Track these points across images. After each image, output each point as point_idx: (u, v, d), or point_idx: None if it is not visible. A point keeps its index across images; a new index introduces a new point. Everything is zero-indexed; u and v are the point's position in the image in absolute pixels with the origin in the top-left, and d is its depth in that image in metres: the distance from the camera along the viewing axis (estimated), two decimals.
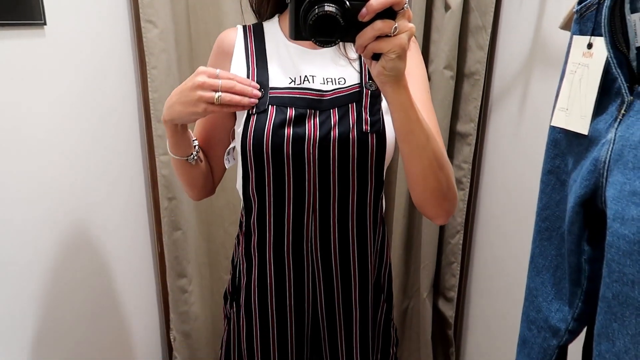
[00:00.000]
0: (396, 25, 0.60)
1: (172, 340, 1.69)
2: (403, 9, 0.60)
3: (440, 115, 1.42)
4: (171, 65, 1.48)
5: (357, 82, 0.85)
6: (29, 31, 0.99)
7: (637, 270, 0.46)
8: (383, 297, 0.98)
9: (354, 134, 0.80)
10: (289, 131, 0.81)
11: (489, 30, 1.34)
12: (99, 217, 1.28)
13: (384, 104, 0.83)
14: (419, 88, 0.83)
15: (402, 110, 0.69)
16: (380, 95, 0.83)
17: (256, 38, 0.91)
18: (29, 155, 1.02)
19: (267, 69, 0.87)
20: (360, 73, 0.85)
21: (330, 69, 0.86)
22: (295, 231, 0.87)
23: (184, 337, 1.71)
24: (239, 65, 0.89)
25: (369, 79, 0.84)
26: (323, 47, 0.64)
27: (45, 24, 1.01)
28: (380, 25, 0.60)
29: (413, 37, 0.75)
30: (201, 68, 0.78)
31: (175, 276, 1.66)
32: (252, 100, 0.80)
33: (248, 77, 0.87)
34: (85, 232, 1.21)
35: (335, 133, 0.81)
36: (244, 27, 0.93)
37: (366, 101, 0.83)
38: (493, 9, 1.32)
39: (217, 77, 0.77)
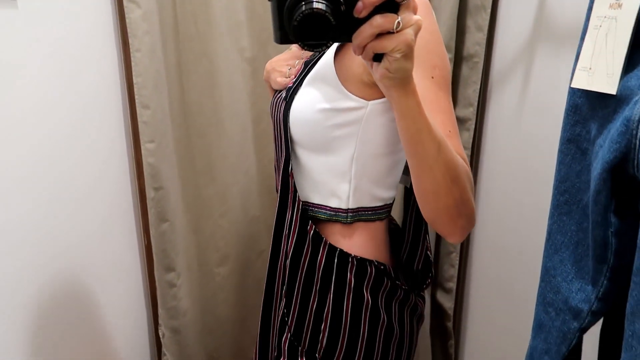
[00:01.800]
0: (399, 19, 0.51)
1: (161, 336, 1.62)
2: None
3: None
4: (156, 48, 1.41)
5: None
6: None
7: None
8: (302, 352, 0.84)
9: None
10: None
11: (489, 10, 1.29)
12: (83, 209, 1.21)
13: (310, 76, 0.80)
14: (436, 89, 0.72)
15: (409, 117, 0.62)
16: (308, 66, 0.82)
17: None
18: (1, 146, 0.95)
19: None
20: None
21: None
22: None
23: (173, 333, 1.65)
24: None
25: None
26: (313, 51, 0.53)
27: None
28: (380, 21, 0.51)
29: (430, 14, 0.69)
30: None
31: (163, 270, 1.59)
32: None
33: None
34: (69, 226, 1.15)
35: None
36: None
37: (298, 68, 0.87)
38: None
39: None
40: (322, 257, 0.82)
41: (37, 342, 1.01)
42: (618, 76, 0.50)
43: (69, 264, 1.14)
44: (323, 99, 0.76)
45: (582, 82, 0.54)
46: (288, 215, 0.85)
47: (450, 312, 1.54)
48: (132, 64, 1.39)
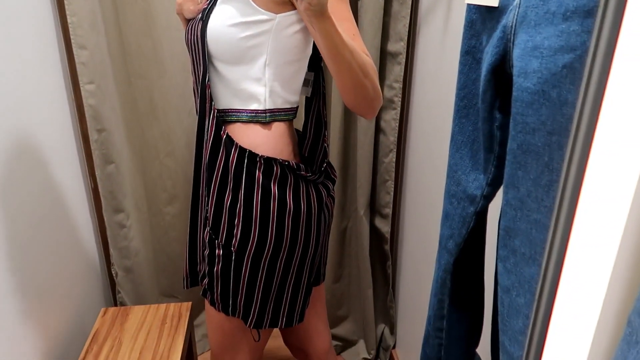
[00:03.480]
0: None
1: (114, 275, 1.68)
2: None
3: (370, 35, 1.44)
4: None
5: None
6: None
7: (537, 117, 0.52)
8: (219, 245, 0.99)
9: None
10: None
11: None
12: (26, 154, 1.21)
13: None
14: (338, 2, 0.91)
15: (328, 36, 0.81)
16: None
17: None
18: None
19: None
20: None
21: None
22: None
23: (126, 272, 1.71)
24: None
25: None
26: None
27: None
28: None
29: None
30: None
31: (112, 211, 1.63)
32: None
33: None
34: (15, 173, 1.15)
35: None
36: None
37: None
38: None
39: None
40: (233, 158, 0.95)
41: None
42: None
43: (16, 211, 1.15)
44: (236, 13, 0.90)
45: None
46: (206, 123, 0.97)
47: (388, 236, 1.68)
48: (65, 3, 1.37)
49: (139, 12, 1.49)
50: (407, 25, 1.43)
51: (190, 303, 1.48)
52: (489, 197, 0.68)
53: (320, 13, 0.77)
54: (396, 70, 1.49)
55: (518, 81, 0.53)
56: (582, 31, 0.47)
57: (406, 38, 1.45)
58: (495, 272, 0.64)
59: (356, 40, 0.91)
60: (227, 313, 1.03)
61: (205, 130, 0.99)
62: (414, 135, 1.55)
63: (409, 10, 1.42)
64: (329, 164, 1.10)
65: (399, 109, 1.53)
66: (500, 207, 0.67)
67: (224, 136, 0.96)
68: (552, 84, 0.50)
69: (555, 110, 0.50)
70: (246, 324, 1.03)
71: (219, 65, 0.96)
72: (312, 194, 1.01)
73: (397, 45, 1.47)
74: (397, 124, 1.55)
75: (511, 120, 0.55)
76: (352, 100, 0.93)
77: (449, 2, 1.27)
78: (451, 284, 0.77)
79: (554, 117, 0.50)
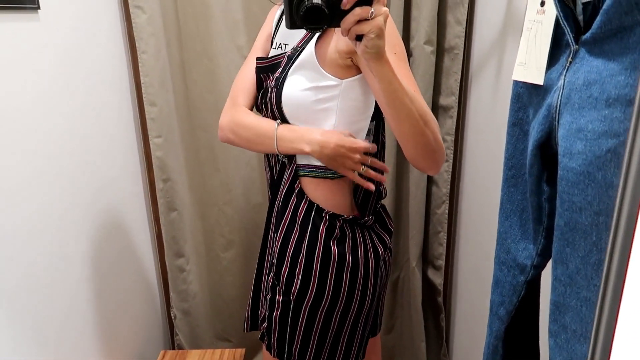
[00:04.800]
0: (372, 10, 0.73)
1: (173, 317, 1.75)
2: None
3: (422, 89, 1.47)
4: (160, 49, 1.52)
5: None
6: (23, 15, 1.03)
7: (583, 197, 0.52)
8: (279, 291, 1.03)
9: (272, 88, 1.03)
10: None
11: (467, 5, 1.39)
12: (98, 201, 1.32)
13: (294, 66, 0.97)
14: (399, 61, 0.93)
15: (386, 80, 0.81)
16: (292, 59, 0.98)
17: (281, 14, 1.09)
18: (22, 142, 1.02)
19: (271, 41, 1.10)
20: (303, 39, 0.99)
21: (295, 35, 1.00)
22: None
23: (184, 315, 1.77)
24: (268, 38, 1.13)
25: (298, 46, 0.99)
26: (313, 32, 0.77)
27: (39, 7, 1.05)
28: (359, 11, 0.73)
29: (388, 18, 0.88)
30: (360, 145, 0.98)
31: (173, 256, 1.71)
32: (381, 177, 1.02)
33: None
34: (85, 216, 1.25)
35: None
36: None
37: (283, 62, 1.00)
38: None
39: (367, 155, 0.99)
40: (302, 210, 1.00)
41: (55, 327, 1.12)
42: (543, 69, 0.60)
43: (86, 253, 1.25)
44: (307, 80, 0.96)
45: (520, 75, 0.65)
46: (285, 175, 1.03)
47: (440, 288, 1.66)
48: (139, 64, 1.51)
49: (204, 71, 1.60)
50: (459, 80, 1.46)
51: (244, 350, 1.51)
52: (539, 267, 0.68)
53: (377, 56, 0.77)
54: (448, 124, 1.51)
55: (563, 161, 0.55)
56: (625, 118, 0.48)
57: (457, 92, 1.47)
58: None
59: (417, 96, 0.93)
60: (282, 359, 1.06)
61: (282, 180, 1.05)
62: (466, 187, 1.55)
63: (460, 66, 1.45)
64: (387, 213, 1.13)
65: (451, 161, 1.54)
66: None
67: (297, 188, 1.02)
68: (597, 166, 0.51)
69: (602, 191, 0.51)
70: None
71: (295, 124, 1.02)
72: (370, 248, 1.04)
73: (448, 100, 1.49)
74: (450, 176, 1.56)
75: (557, 198, 0.56)
76: (412, 150, 0.91)
77: (499, 58, 1.29)
78: (503, 351, 0.77)
79: (600, 198, 0.51)
